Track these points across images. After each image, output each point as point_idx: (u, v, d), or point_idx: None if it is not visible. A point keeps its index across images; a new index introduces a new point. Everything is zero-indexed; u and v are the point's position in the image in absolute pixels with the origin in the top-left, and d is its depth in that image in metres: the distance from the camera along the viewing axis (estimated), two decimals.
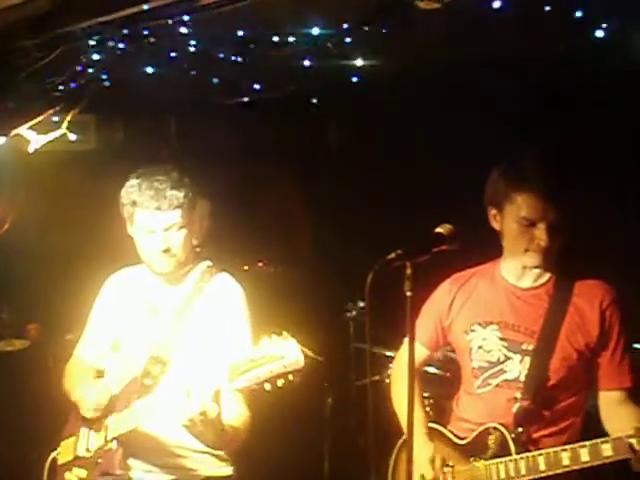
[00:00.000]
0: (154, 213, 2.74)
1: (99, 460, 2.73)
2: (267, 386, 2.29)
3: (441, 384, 3.67)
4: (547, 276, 2.77)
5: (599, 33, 2.54)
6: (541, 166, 2.65)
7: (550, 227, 2.61)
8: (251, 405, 2.75)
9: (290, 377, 2.28)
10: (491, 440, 2.72)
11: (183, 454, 2.79)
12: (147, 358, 2.78)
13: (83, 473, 2.76)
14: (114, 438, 2.70)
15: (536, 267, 2.73)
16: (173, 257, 2.80)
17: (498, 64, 3.41)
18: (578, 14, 2.41)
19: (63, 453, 2.86)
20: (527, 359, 2.71)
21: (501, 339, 2.76)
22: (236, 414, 2.69)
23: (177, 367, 2.74)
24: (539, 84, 3.60)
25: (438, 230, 2.46)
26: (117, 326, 2.94)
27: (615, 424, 2.64)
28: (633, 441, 2.44)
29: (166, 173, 2.79)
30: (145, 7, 2.86)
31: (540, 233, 2.62)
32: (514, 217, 2.66)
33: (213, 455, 2.83)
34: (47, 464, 2.93)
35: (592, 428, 2.72)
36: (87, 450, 2.77)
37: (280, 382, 2.28)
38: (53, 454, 2.91)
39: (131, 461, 2.77)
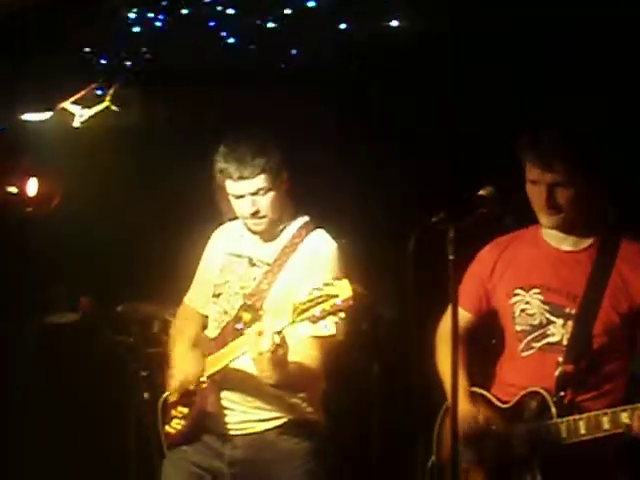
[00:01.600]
0: (239, 182, 2.89)
1: (195, 398, 2.95)
2: (323, 326, 2.51)
3: (493, 347, 3.66)
4: (590, 240, 2.76)
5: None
6: (539, 128, 2.68)
7: (550, 188, 2.63)
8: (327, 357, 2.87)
9: (342, 315, 2.47)
10: (533, 404, 2.72)
11: (274, 393, 2.88)
12: (240, 305, 2.95)
13: (185, 410, 3.00)
14: (208, 377, 2.89)
15: (554, 228, 2.75)
16: (264, 218, 2.94)
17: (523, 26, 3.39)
18: None
19: (173, 394, 3.05)
20: (570, 323, 2.71)
21: (544, 302, 2.75)
22: (307, 357, 2.80)
23: (266, 315, 2.84)
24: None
25: (480, 193, 2.48)
26: (219, 275, 3.10)
27: None
28: None
29: (249, 140, 2.92)
30: None
31: (541, 192, 2.65)
32: (527, 178, 2.70)
33: (302, 399, 2.95)
34: (160, 404, 3.15)
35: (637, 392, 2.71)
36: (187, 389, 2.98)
37: (335, 319, 2.47)
38: (165, 394, 3.12)
39: (225, 401, 2.94)
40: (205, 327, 3.17)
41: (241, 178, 2.87)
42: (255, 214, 2.92)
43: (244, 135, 2.96)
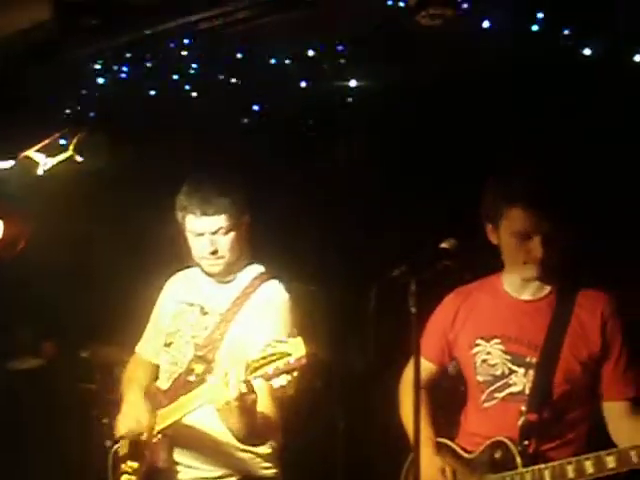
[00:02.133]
0: (201, 218, 2.89)
1: (146, 452, 2.87)
2: (276, 382, 2.44)
3: (456, 398, 3.67)
4: (548, 288, 2.78)
5: (586, 51, 2.56)
6: (531, 180, 2.65)
7: (545, 239, 2.62)
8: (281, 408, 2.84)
9: (294, 374, 2.44)
10: (498, 454, 2.72)
11: (227, 450, 2.86)
12: (192, 356, 2.91)
13: (135, 465, 2.92)
14: (159, 431, 2.83)
15: (535, 279, 2.75)
16: (221, 259, 2.94)
17: (490, 79, 3.45)
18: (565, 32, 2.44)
19: (122, 446, 2.99)
20: (531, 372, 2.72)
21: (505, 352, 2.76)
22: (267, 407, 2.77)
23: (220, 366, 2.81)
24: (529, 98, 3.62)
25: (443, 245, 2.48)
26: (170, 324, 3.08)
27: (621, 435, 2.64)
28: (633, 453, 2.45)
29: (214, 180, 2.94)
30: (146, 32, 2.92)
31: (536, 246, 2.64)
32: (509, 231, 2.67)
33: (257, 455, 2.91)
34: (110, 455, 3.08)
35: (601, 440, 2.72)
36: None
37: (287, 379, 2.43)
38: (115, 447, 3.05)
39: (177, 456, 2.88)
40: (157, 377, 3.12)
41: (204, 214, 2.87)
42: (213, 253, 2.91)
43: (209, 175, 2.97)
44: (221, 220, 2.88)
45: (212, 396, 2.57)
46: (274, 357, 2.43)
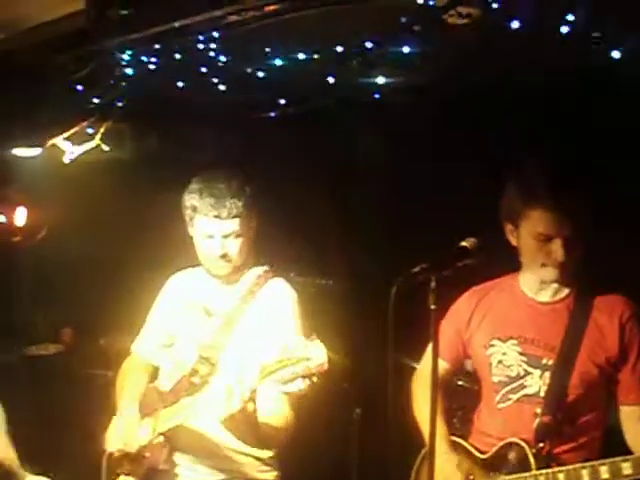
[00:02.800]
0: (213, 220, 2.82)
1: (146, 454, 2.82)
2: (293, 387, 2.38)
3: (470, 396, 3.68)
4: (567, 291, 2.78)
5: (615, 53, 2.56)
6: (554, 181, 2.64)
7: (567, 242, 2.61)
8: (289, 411, 2.80)
9: (314, 379, 2.37)
10: (512, 455, 2.72)
11: (228, 454, 2.84)
12: (197, 358, 2.85)
13: (134, 466, 2.85)
14: (161, 433, 2.77)
15: (554, 282, 2.74)
16: (229, 262, 2.88)
17: (517, 80, 3.45)
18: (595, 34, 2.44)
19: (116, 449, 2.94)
20: (547, 374, 2.71)
21: (521, 354, 2.76)
22: (277, 414, 2.74)
23: (225, 368, 2.80)
24: (555, 99, 3.62)
25: (463, 244, 2.47)
26: (173, 324, 3.03)
27: (637, 440, 2.64)
28: None
29: (227, 180, 2.84)
30: (176, 24, 2.94)
31: (557, 248, 2.63)
32: (530, 232, 2.66)
33: (257, 459, 2.89)
34: (104, 458, 3.00)
35: (616, 443, 2.72)
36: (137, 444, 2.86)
37: (305, 383, 2.36)
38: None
39: (177, 458, 2.84)
40: (154, 378, 3.07)
41: (217, 217, 2.80)
42: (224, 256, 2.85)
43: (223, 175, 2.88)
44: (234, 224, 2.82)
45: (215, 404, 2.53)
46: (292, 360, 2.37)
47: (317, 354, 2.37)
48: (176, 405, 2.76)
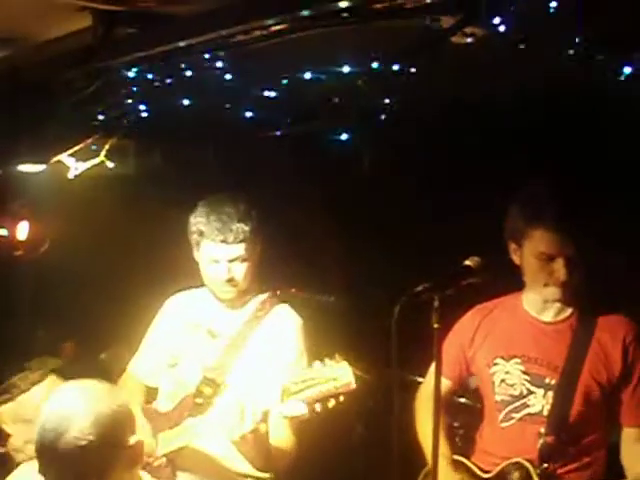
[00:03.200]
0: (219, 245, 2.82)
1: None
2: (317, 407, 2.35)
3: (473, 415, 3.67)
4: (570, 310, 2.79)
5: (621, 75, 2.58)
6: (557, 200, 2.66)
7: (569, 262, 2.63)
8: (298, 432, 2.80)
9: (341, 398, 2.35)
10: (515, 475, 2.72)
11: (230, 475, 2.82)
12: (201, 378, 2.84)
13: None
14: (164, 455, 2.73)
15: (557, 301, 2.75)
16: (235, 286, 2.88)
17: (523, 100, 3.47)
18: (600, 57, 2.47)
19: None
20: (550, 393, 2.72)
21: (524, 373, 2.77)
22: (283, 437, 2.74)
23: (230, 390, 2.79)
24: (559, 119, 3.64)
25: (467, 263, 2.48)
26: (174, 345, 3.00)
27: (632, 462, 2.66)
28: None
29: (234, 204, 2.85)
30: (181, 44, 2.97)
31: (559, 267, 2.64)
32: (533, 252, 2.68)
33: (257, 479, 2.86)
34: None
35: (620, 464, 2.73)
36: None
37: (331, 403, 2.35)
38: None
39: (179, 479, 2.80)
40: (148, 399, 3.05)
41: (223, 242, 2.80)
42: (229, 281, 2.85)
43: (229, 199, 2.89)
44: (240, 249, 2.83)
45: (227, 429, 2.52)
46: (316, 381, 2.35)
47: (343, 374, 2.36)
48: (180, 426, 2.74)
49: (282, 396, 2.40)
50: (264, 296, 3.01)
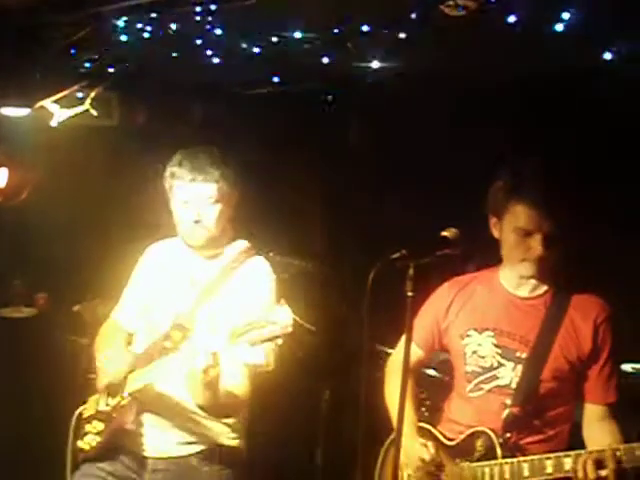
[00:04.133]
0: (188, 185, 2.85)
1: (114, 415, 2.86)
2: (264, 347, 2.48)
3: (439, 386, 3.72)
4: (545, 287, 2.81)
5: (607, 54, 2.59)
6: (539, 177, 2.68)
7: (546, 238, 2.64)
8: (253, 385, 2.85)
9: (279, 341, 2.45)
10: (479, 443, 2.77)
11: (196, 418, 2.87)
12: (171, 323, 2.89)
13: (101, 426, 2.90)
14: (129, 394, 2.81)
15: (532, 277, 2.77)
16: (204, 229, 2.89)
17: (507, 75, 3.47)
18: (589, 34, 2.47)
19: (89, 407, 3.00)
20: (520, 367, 2.75)
21: (496, 346, 2.80)
22: (237, 383, 2.78)
23: (197, 335, 2.82)
24: (542, 96, 3.65)
25: (444, 234, 2.50)
26: (151, 293, 3.06)
27: (593, 438, 2.71)
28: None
29: (208, 152, 2.90)
30: None
31: (536, 244, 2.66)
32: (512, 227, 2.70)
33: (224, 424, 2.93)
34: (74, 417, 3.05)
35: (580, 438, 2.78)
36: (106, 404, 2.90)
37: (271, 345, 2.49)
38: (80, 408, 3.04)
39: (145, 419, 2.88)
40: (129, 343, 3.11)
41: (193, 181, 2.84)
42: (197, 222, 2.87)
43: (204, 149, 2.93)
44: (211, 189, 2.85)
45: (181, 364, 2.60)
46: (260, 324, 2.44)
47: (283, 317, 2.43)
48: (147, 367, 2.80)
49: (230, 338, 2.47)
50: (241, 246, 3.02)
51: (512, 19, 2.45)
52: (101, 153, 4.93)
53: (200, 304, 2.91)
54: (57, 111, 4.27)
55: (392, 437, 2.96)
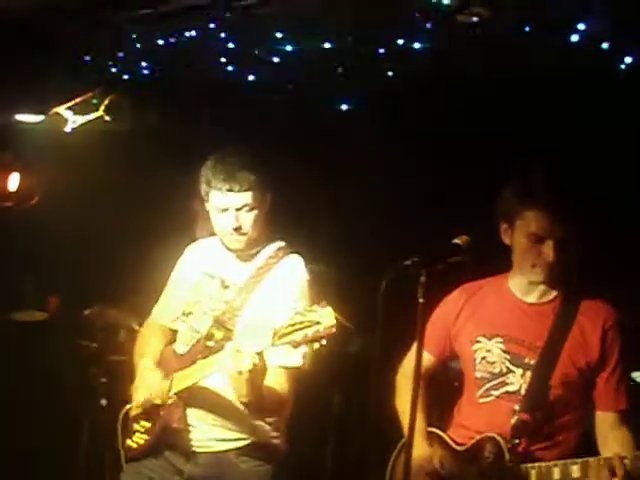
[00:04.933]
0: (226, 194, 2.91)
1: (161, 413, 2.92)
2: (303, 349, 2.51)
3: (451, 391, 3.72)
4: (554, 293, 2.83)
5: (621, 64, 2.61)
6: (551, 183, 2.70)
7: (558, 244, 2.66)
8: (293, 385, 2.90)
9: (324, 342, 2.47)
10: (487, 449, 2.77)
11: (239, 415, 2.90)
12: (212, 323, 2.95)
13: (148, 424, 2.97)
14: (176, 393, 2.87)
15: (542, 283, 2.79)
16: (244, 236, 2.96)
17: (516, 80, 3.49)
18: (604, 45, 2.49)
19: (135, 406, 3.03)
20: (529, 373, 2.76)
21: (505, 352, 2.81)
22: (279, 382, 2.83)
23: (240, 334, 2.87)
24: (554, 101, 3.66)
25: (455, 241, 2.53)
26: (190, 293, 3.10)
27: (605, 445, 2.71)
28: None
29: (238, 154, 2.95)
30: (188, 3, 2.96)
31: (548, 249, 2.68)
32: (523, 232, 2.71)
33: (266, 423, 2.97)
34: (121, 415, 3.13)
35: (591, 445, 2.78)
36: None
37: (315, 346, 2.47)
38: (127, 407, 3.10)
39: (191, 418, 2.93)
40: (172, 342, 3.16)
41: (230, 191, 2.89)
42: (237, 229, 2.93)
43: (233, 150, 2.99)
44: (246, 197, 2.91)
45: (227, 364, 2.62)
46: (303, 325, 2.46)
47: (326, 318, 2.46)
48: (192, 367, 2.85)
49: (272, 339, 2.51)
50: (275, 246, 3.07)
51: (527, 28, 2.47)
52: (114, 158, 4.97)
53: (239, 303, 2.96)
54: (71, 117, 4.32)
55: (402, 442, 2.98)
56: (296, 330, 2.47)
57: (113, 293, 4.69)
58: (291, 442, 3.10)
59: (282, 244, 3.10)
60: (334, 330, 2.46)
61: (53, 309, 5.45)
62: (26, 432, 4.69)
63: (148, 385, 2.96)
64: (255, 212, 2.95)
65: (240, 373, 2.56)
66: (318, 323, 2.46)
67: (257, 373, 2.58)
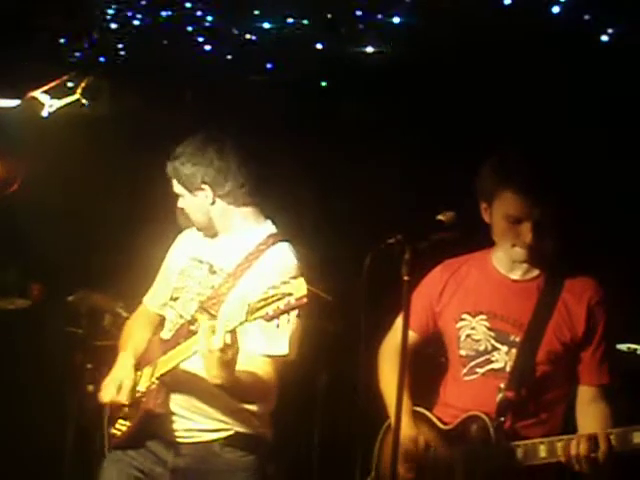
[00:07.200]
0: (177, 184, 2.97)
1: (143, 399, 2.89)
2: (276, 322, 2.45)
3: (435, 368, 3.72)
4: (537, 271, 2.82)
5: (603, 37, 2.59)
6: (528, 164, 2.68)
7: (536, 225, 2.65)
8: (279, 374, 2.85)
9: (295, 312, 2.45)
10: (473, 428, 2.76)
11: (220, 402, 2.86)
12: (197, 308, 2.93)
13: (130, 410, 2.93)
14: (157, 377, 2.85)
15: (524, 262, 2.78)
16: (186, 218, 3.02)
17: (496, 55, 3.47)
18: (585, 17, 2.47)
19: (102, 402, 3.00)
20: (514, 350, 2.76)
21: (489, 329, 2.80)
22: (258, 366, 2.78)
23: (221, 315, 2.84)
24: (533, 82, 3.65)
25: (439, 217, 2.51)
26: (178, 278, 3.10)
27: (585, 420, 2.72)
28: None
29: (203, 146, 2.93)
30: None
31: (526, 231, 2.67)
32: (501, 213, 2.70)
33: (249, 412, 2.92)
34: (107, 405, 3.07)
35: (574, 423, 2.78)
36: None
37: (286, 318, 2.44)
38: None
39: (174, 404, 2.90)
40: (161, 329, 3.13)
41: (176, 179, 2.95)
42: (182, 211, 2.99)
43: (200, 138, 2.96)
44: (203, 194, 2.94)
45: (199, 344, 2.58)
46: (275, 297, 2.43)
47: (298, 289, 2.42)
48: (173, 350, 2.83)
49: (247, 315, 2.47)
50: (266, 232, 3.04)
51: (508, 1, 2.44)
52: (93, 142, 4.92)
53: (226, 289, 2.94)
54: (48, 101, 4.27)
55: (387, 423, 2.97)
56: (268, 304, 2.44)
57: (97, 279, 4.66)
58: (276, 424, 3.08)
59: (273, 230, 3.06)
60: (305, 300, 2.42)
61: (36, 296, 5.42)
62: (12, 421, 4.67)
63: (113, 386, 2.91)
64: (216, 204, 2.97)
65: (211, 352, 2.52)
66: (290, 294, 2.42)
67: (227, 352, 2.51)
